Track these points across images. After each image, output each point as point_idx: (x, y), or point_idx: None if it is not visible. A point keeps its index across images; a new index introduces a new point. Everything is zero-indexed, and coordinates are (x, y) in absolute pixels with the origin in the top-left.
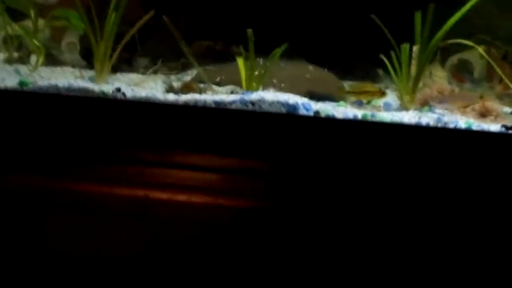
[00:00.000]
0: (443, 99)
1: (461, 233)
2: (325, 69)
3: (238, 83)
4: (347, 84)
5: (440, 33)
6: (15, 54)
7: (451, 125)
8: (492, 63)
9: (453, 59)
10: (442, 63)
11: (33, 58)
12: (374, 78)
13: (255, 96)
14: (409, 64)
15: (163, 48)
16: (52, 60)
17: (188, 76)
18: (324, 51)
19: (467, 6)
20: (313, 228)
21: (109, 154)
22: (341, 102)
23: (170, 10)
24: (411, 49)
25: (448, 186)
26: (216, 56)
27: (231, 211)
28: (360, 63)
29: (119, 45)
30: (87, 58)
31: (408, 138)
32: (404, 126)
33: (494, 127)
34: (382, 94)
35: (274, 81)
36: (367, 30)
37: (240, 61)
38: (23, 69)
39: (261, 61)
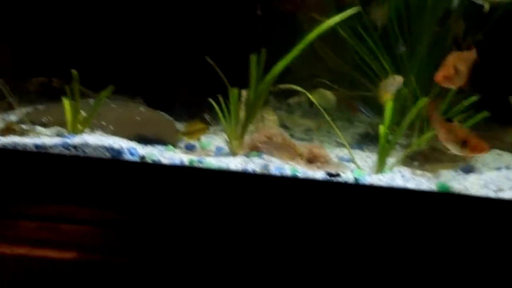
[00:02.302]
0: (271, 145)
1: None
2: (159, 111)
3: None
4: (182, 125)
5: (268, 78)
6: None
7: (277, 172)
8: (320, 108)
9: (291, 101)
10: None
11: None
12: (211, 120)
13: (78, 139)
14: (239, 108)
15: None
16: None
17: (15, 116)
18: (163, 92)
19: (292, 54)
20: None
21: None
22: (170, 146)
23: None
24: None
25: (273, 233)
26: (53, 93)
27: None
28: (197, 105)
29: None
30: None
31: (233, 185)
32: (228, 172)
33: (319, 174)
34: (207, 128)
35: (103, 123)
36: (207, 73)
37: (65, 102)
38: None
39: (91, 101)
